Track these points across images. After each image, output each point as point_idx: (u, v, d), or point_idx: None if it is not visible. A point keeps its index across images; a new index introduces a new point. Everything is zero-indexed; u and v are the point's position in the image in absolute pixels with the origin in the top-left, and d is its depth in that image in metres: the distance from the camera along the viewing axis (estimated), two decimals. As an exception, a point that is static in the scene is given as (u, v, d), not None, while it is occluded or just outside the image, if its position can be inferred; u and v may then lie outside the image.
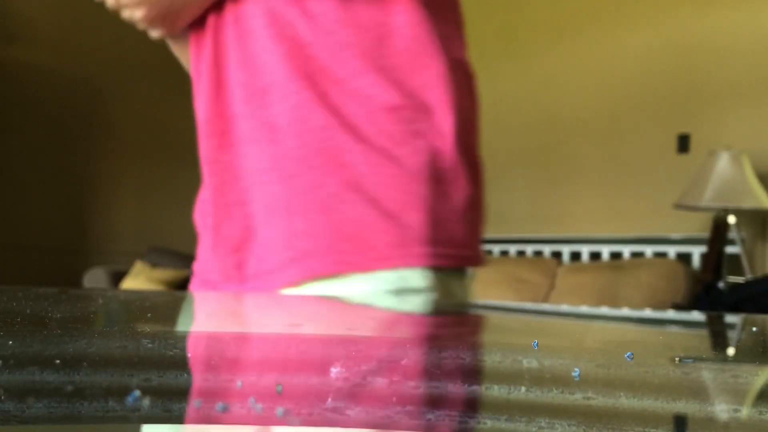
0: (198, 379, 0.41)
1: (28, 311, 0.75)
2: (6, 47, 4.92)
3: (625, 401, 0.39)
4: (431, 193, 0.88)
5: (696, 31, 3.44)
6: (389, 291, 0.86)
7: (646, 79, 3.61)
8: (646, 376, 0.48)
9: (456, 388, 0.40)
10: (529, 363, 0.50)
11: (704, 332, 1.00)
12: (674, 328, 1.04)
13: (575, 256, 3.79)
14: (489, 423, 0.32)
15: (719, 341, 0.88)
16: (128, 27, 0.99)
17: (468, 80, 1.01)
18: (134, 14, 0.96)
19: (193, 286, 1.07)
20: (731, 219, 3.01)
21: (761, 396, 0.46)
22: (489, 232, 3.82)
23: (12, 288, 1.10)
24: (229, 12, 0.96)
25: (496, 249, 4.13)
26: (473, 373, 0.47)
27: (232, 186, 0.96)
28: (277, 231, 0.91)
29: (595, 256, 3.71)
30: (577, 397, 0.39)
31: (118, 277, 4.80)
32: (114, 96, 5.40)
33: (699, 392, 0.47)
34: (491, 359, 0.53)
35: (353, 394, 0.37)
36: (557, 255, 3.86)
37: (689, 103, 3.44)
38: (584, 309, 1.45)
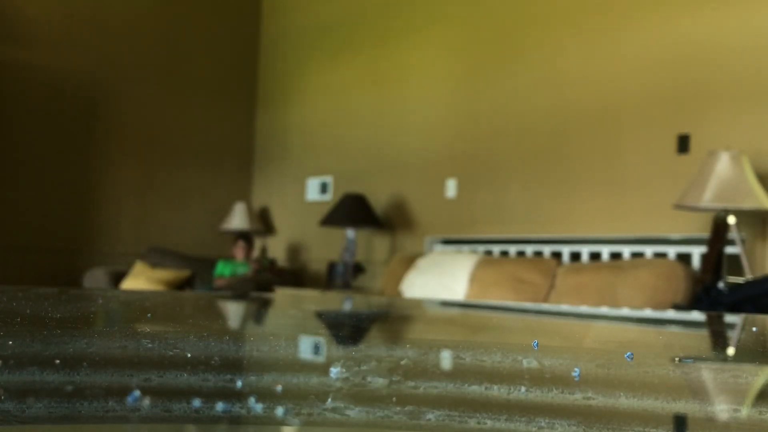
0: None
1: (28, 311, 0.75)
2: (6, 47, 4.92)
3: (625, 401, 0.39)
4: None
5: (696, 31, 3.45)
6: None
7: (646, 79, 3.61)
8: (646, 376, 0.48)
9: None
10: (529, 363, 0.50)
11: (704, 332, 1.00)
12: (674, 328, 1.04)
13: (575, 256, 3.79)
14: (489, 423, 0.32)
15: (719, 341, 0.88)
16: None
17: None
18: None
19: None
20: (731, 219, 3.01)
21: (761, 396, 0.46)
22: (489, 232, 3.85)
23: (12, 288, 1.10)
24: None
25: (496, 249, 4.14)
26: None
27: None
28: None
29: (595, 256, 3.71)
30: (577, 397, 0.39)
31: (118, 277, 4.80)
32: (114, 96, 5.40)
33: (699, 392, 0.47)
34: (491, 359, 0.53)
35: None
36: (557, 255, 3.86)
37: (689, 103, 3.44)
38: (584, 309, 1.45)
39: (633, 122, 3.63)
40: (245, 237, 5.04)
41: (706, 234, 3.20)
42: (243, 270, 4.82)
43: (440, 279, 3.80)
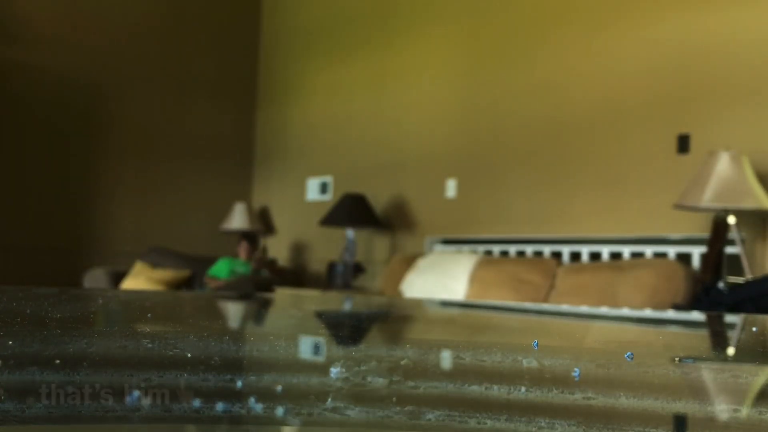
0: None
1: (28, 311, 0.76)
2: (6, 47, 4.92)
3: (625, 401, 0.39)
4: None
5: (696, 31, 3.45)
6: None
7: (646, 79, 3.61)
8: (646, 376, 0.48)
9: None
10: (529, 363, 0.51)
11: (704, 332, 1.00)
12: (674, 328, 1.04)
13: (575, 256, 3.79)
14: (489, 423, 0.32)
15: (719, 341, 0.88)
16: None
17: None
18: None
19: None
20: (731, 219, 3.01)
21: (761, 396, 0.46)
22: (489, 232, 3.85)
23: (12, 288, 1.10)
24: None
25: (496, 249, 4.14)
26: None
27: None
28: None
29: (595, 256, 3.71)
30: (577, 397, 0.39)
31: (118, 277, 4.80)
32: (114, 96, 5.40)
33: (699, 392, 0.47)
34: (491, 359, 0.53)
35: None
36: (557, 255, 3.85)
37: (689, 103, 3.44)
38: (584, 309, 1.45)
39: (633, 122, 3.63)
40: (249, 237, 5.02)
41: (706, 234, 3.20)
42: (243, 269, 4.80)
43: (440, 279, 3.80)
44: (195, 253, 5.29)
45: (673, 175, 3.41)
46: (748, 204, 2.90)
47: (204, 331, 0.70)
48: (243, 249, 4.91)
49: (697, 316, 1.68)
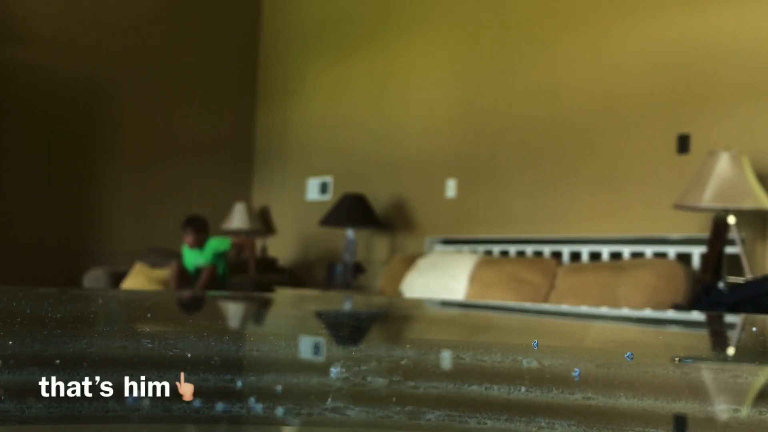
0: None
1: (28, 311, 0.75)
2: (6, 47, 4.92)
3: (625, 401, 0.39)
4: None
5: (696, 31, 3.44)
6: None
7: (646, 79, 3.61)
8: (646, 376, 0.48)
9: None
10: (529, 363, 0.51)
11: (704, 332, 1.00)
12: (674, 328, 1.04)
13: (575, 256, 3.79)
14: (489, 423, 0.32)
15: (719, 341, 0.88)
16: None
17: None
18: None
19: None
20: (731, 219, 3.01)
21: (761, 396, 0.46)
22: (489, 232, 3.85)
23: (12, 288, 1.10)
24: None
25: (496, 249, 4.13)
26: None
27: None
28: None
29: (595, 256, 3.71)
30: (577, 397, 0.39)
31: (118, 277, 4.80)
32: (114, 96, 5.40)
33: (699, 392, 0.47)
34: (491, 359, 0.53)
35: None
36: (557, 255, 3.85)
37: (689, 103, 3.44)
38: (584, 309, 1.45)
39: (633, 122, 3.63)
40: (193, 222, 4.64)
41: (706, 234, 3.20)
42: (197, 260, 4.66)
43: (440, 279, 3.80)
44: (195, 253, 5.28)
45: (673, 175, 3.41)
46: (748, 204, 2.90)
47: (204, 331, 0.70)
48: (189, 236, 4.58)
49: (697, 316, 1.68)
